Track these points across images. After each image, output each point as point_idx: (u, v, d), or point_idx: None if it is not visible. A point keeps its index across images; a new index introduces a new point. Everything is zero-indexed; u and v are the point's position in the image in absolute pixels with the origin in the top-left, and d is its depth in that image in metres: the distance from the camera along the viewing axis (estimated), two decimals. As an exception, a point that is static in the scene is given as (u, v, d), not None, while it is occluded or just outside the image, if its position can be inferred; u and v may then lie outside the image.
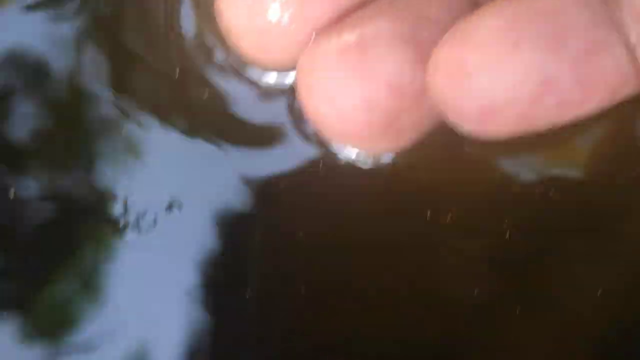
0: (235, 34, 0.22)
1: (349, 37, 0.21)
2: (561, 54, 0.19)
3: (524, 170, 0.23)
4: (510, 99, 0.19)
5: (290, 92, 0.24)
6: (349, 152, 0.23)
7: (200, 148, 0.24)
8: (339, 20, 0.21)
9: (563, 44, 0.19)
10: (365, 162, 0.23)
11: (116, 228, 0.24)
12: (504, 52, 0.19)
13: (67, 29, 0.25)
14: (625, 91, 0.20)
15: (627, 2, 0.20)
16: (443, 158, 0.23)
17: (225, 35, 0.22)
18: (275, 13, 0.21)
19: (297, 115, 0.24)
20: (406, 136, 0.21)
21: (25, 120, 0.25)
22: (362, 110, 0.20)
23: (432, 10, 0.21)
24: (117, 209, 0.24)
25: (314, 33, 0.21)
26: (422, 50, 0.20)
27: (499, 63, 0.19)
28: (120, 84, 0.25)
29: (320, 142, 0.23)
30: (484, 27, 0.19)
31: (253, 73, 0.24)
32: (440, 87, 0.20)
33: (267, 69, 0.23)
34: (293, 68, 0.22)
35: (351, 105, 0.20)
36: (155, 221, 0.24)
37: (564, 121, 0.20)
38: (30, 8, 0.25)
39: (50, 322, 0.24)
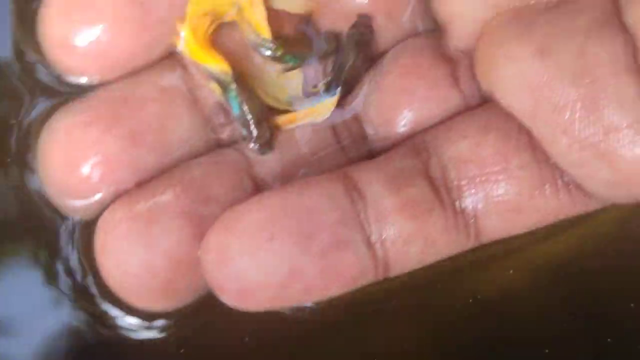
0: (50, 172, 0.25)
1: (139, 207, 0.24)
2: (309, 248, 0.23)
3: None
4: (262, 283, 0.22)
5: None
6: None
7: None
8: (138, 186, 0.25)
9: (311, 240, 0.23)
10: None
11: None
12: (260, 243, 0.22)
13: None
14: (365, 280, 0.24)
15: (371, 203, 0.23)
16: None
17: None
18: (86, 169, 0.24)
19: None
20: (182, 298, 0.24)
21: None
22: (143, 275, 0.23)
23: (215, 189, 0.24)
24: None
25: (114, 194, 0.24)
26: (201, 225, 0.24)
27: (256, 253, 0.22)
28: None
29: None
30: (248, 218, 0.23)
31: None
32: (209, 265, 0.23)
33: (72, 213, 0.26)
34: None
35: (135, 269, 0.23)
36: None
37: (311, 302, 0.24)
38: None
39: None
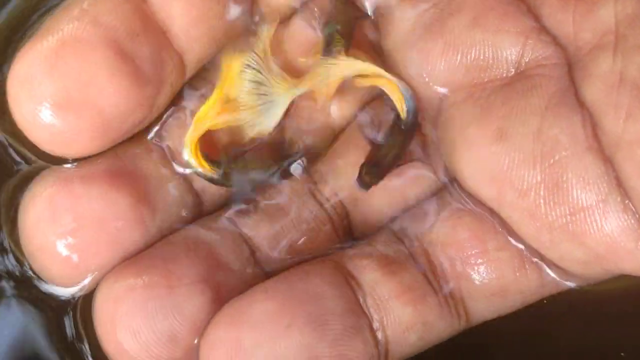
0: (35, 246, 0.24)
1: (154, 274, 0.23)
2: (324, 335, 0.23)
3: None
4: None
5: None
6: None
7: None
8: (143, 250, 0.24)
9: (326, 327, 0.23)
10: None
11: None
12: (278, 333, 0.22)
13: None
14: None
15: (369, 291, 0.23)
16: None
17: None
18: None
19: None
20: None
21: None
22: (166, 344, 0.23)
23: (223, 256, 0.24)
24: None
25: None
26: (218, 290, 0.23)
27: (274, 343, 0.22)
28: None
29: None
30: (258, 308, 0.22)
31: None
32: None
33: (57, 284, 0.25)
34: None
35: (156, 339, 0.23)
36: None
37: None
38: None
39: None
